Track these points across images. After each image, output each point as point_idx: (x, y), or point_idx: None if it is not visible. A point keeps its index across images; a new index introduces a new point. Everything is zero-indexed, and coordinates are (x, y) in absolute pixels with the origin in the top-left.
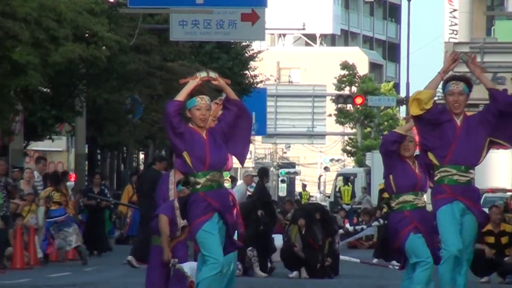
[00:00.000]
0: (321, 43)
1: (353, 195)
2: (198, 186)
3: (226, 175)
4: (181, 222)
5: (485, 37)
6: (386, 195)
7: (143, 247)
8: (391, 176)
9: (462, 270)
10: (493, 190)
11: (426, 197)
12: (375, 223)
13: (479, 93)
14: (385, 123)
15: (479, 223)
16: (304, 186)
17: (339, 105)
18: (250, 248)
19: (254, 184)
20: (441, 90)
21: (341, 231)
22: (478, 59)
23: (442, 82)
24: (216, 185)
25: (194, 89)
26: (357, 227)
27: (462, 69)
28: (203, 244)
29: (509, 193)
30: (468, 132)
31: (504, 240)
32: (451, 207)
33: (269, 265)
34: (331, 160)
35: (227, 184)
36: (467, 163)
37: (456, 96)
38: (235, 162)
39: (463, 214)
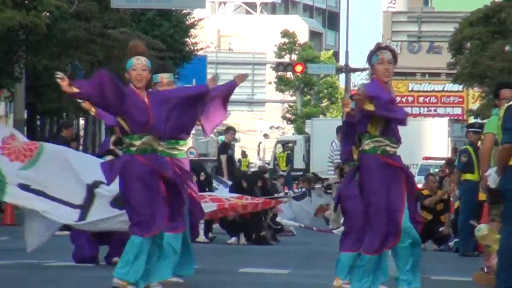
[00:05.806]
0: (261, 11)
1: (288, 161)
2: (133, 149)
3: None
4: None
5: (423, 7)
6: None
7: None
8: None
9: None
10: (429, 159)
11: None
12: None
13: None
14: (325, 91)
15: None
16: (243, 153)
17: (279, 73)
18: None
19: None
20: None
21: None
22: (415, 28)
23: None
24: (151, 149)
25: (135, 50)
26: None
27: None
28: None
29: (443, 161)
30: None
31: (439, 207)
32: None
33: (210, 234)
34: (271, 127)
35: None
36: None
37: (386, 64)
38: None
39: None
